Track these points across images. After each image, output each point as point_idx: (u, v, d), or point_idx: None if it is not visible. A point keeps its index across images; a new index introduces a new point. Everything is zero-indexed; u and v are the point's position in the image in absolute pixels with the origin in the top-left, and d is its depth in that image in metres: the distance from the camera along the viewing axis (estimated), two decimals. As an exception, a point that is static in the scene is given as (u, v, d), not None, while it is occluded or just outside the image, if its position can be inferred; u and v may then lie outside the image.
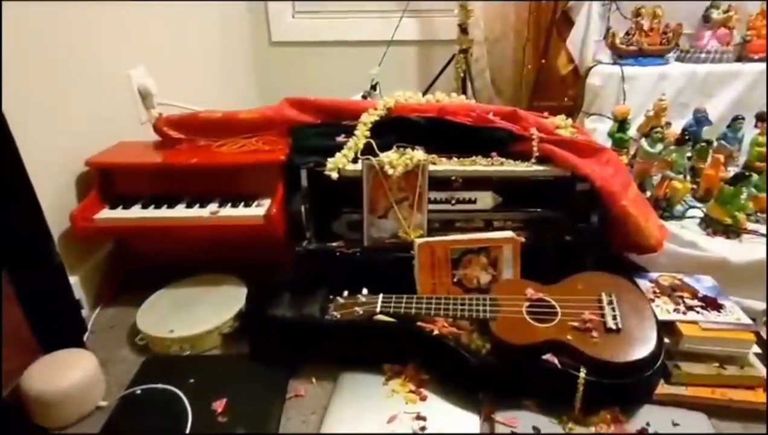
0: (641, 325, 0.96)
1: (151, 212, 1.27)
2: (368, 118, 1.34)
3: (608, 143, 1.68)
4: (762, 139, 1.74)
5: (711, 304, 1.07)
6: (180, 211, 1.27)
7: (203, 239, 1.36)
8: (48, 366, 1.00)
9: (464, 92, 2.54)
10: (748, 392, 0.97)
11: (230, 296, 1.25)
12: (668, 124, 1.73)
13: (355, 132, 1.31)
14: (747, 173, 1.32)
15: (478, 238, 1.14)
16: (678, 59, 1.96)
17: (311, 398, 1.03)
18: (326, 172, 1.22)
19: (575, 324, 0.96)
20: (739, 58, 1.93)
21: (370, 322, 1.06)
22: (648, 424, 0.92)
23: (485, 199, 1.28)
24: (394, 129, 1.34)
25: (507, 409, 0.96)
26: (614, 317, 0.96)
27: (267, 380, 1.05)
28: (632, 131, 1.74)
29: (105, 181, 1.32)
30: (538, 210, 1.28)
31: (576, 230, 1.23)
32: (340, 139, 1.33)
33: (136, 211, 1.27)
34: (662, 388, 0.98)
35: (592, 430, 0.91)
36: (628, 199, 1.19)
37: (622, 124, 1.63)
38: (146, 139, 1.50)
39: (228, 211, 1.27)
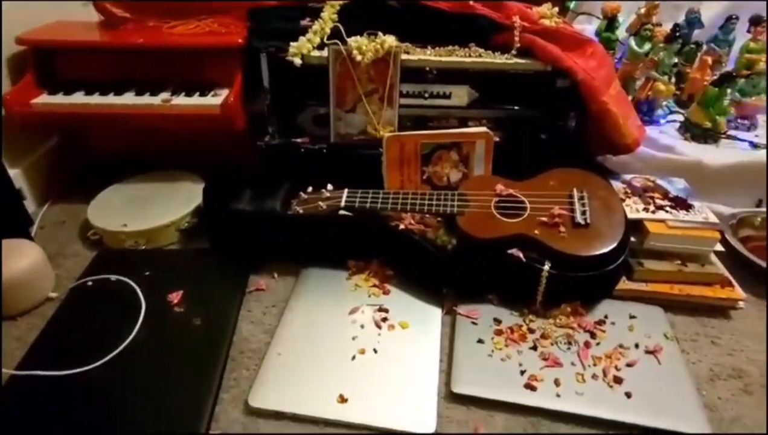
0: (610, 221, 0.94)
1: (96, 99, 1.16)
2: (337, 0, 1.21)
3: (595, 43, 1.58)
4: (754, 45, 1.66)
5: (681, 204, 1.05)
6: (128, 99, 1.17)
7: (157, 132, 1.26)
8: (-10, 255, 0.94)
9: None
10: (705, 288, 0.99)
11: (188, 192, 1.19)
12: (658, 25, 1.63)
13: (322, 14, 1.18)
14: (734, 73, 1.26)
15: (449, 133, 1.08)
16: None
17: (272, 292, 1.01)
18: (288, 58, 1.11)
19: (544, 219, 0.93)
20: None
21: (334, 217, 1.01)
22: (606, 316, 0.93)
23: (461, 94, 1.20)
24: (365, 13, 1.22)
25: (470, 303, 0.96)
26: (583, 213, 0.93)
27: (226, 274, 1.02)
28: (621, 32, 1.64)
29: (42, 62, 1.18)
30: (516, 108, 1.21)
31: (553, 128, 1.18)
32: (305, 22, 1.20)
33: (78, 97, 1.16)
34: (624, 284, 0.98)
35: (551, 322, 0.92)
36: (610, 95, 1.13)
37: (611, 22, 1.52)
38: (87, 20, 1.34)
39: (181, 99, 1.16)
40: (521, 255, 0.91)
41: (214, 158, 1.21)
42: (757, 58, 1.62)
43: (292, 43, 1.12)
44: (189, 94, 1.17)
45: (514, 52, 1.16)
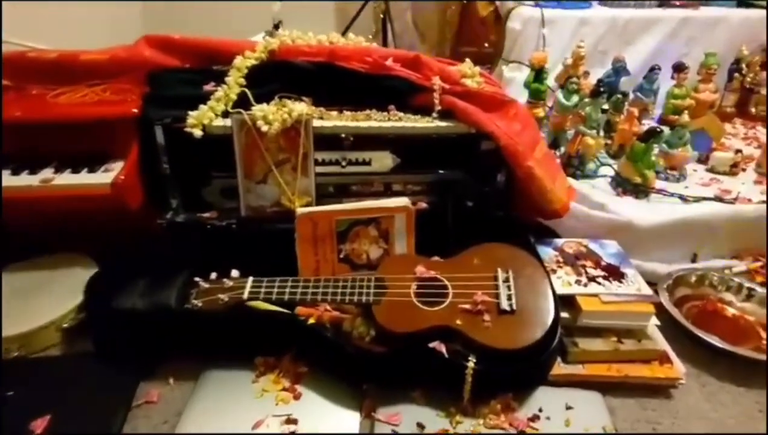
0: (537, 304, 0.86)
1: (-38, 181, 1.01)
2: (243, 63, 1.12)
3: (525, 94, 1.56)
4: (678, 91, 1.69)
5: (613, 273, 1.00)
6: (5, 179, 1.02)
7: (43, 213, 1.11)
8: None
9: (384, 35, 2.32)
10: (643, 367, 0.92)
11: (77, 281, 1.03)
12: (587, 73, 1.63)
13: (227, 79, 1.09)
14: (658, 129, 1.24)
15: (365, 208, 0.99)
16: (601, 2, 1.84)
17: (166, 403, 0.87)
18: (187, 130, 1.00)
19: (467, 306, 0.84)
20: (661, 4, 1.84)
21: (237, 312, 0.89)
22: (540, 409, 0.85)
23: (382, 160, 1.12)
24: (276, 76, 1.13)
25: (392, 401, 0.85)
26: (509, 297, 0.85)
27: (111, 385, 0.87)
28: (551, 81, 1.63)
29: None
30: (441, 172, 1.14)
31: (480, 194, 1.11)
32: (209, 87, 1.10)
33: (-60, 180, 1.00)
34: (558, 368, 0.90)
35: (481, 422, 0.82)
36: (535, 159, 1.07)
37: (539, 73, 1.50)
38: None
39: (66, 178, 1.03)
40: (443, 349, 0.81)
41: (112, 238, 1.08)
42: (681, 104, 1.65)
43: (191, 113, 1.02)
44: (76, 171, 1.04)
45: (435, 114, 1.10)
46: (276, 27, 2.01)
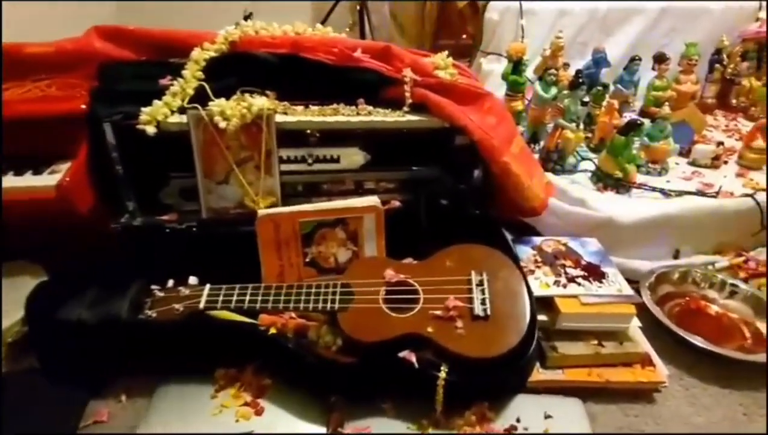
0: (513, 308, 0.81)
1: None
2: (201, 55, 1.05)
3: (503, 86, 1.51)
4: (659, 83, 1.66)
5: (593, 273, 0.95)
6: (-61, 183, 0.94)
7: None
8: None
9: (362, 28, 2.25)
10: (625, 371, 0.88)
11: (24, 292, 0.95)
12: (566, 65, 1.59)
13: (184, 72, 1.02)
14: (639, 121, 1.20)
15: (332, 208, 0.93)
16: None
17: (117, 422, 0.81)
18: (140, 127, 0.94)
19: (438, 313, 0.79)
20: (641, -7, 1.80)
21: (194, 322, 0.83)
22: (518, 420, 0.80)
23: (351, 157, 1.06)
24: (237, 69, 1.06)
25: (360, 414, 0.80)
26: (483, 302, 0.80)
27: (55, 406, 0.81)
28: (529, 73, 1.58)
29: None
30: (414, 168, 1.09)
31: (455, 191, 1.06)
32: (165, 81, 1.03)
33: None
34: (537, 374, 0.86)
35: (455, 433, 0.77)
36: (511, 154, 1.02)
37: (517, 64, 1.45)
38: None
39: (8, 180, 0.95)
40: (414, 359, 0.76)
41: (62, 245, 1.00)
42: (662, 96, 1.61)
43: (144, 109, 0.95)
44: (19, 173, 0.97)
45: (406, 108, 1.04)
46: (246, 19, 1.94)
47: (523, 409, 0.82)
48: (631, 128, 1.19)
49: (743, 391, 0.91)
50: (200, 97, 1.00)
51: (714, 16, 1.77)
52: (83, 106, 0.97)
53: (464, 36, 1.89)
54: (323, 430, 0.78)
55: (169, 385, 0.84)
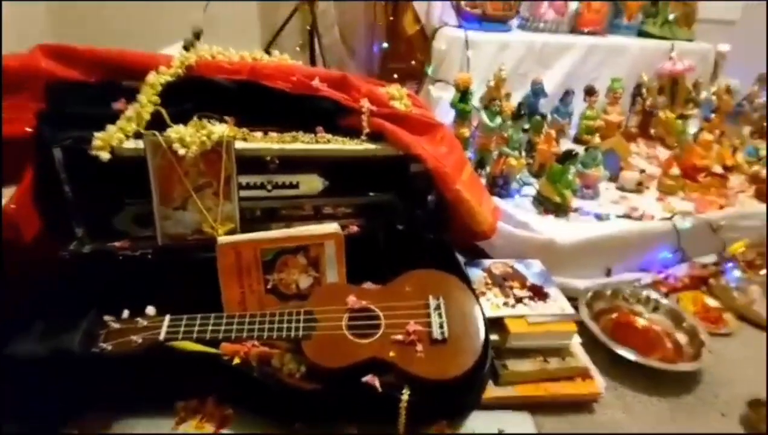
0: (468, 330, 0.87)
1: None
2: (158, 79, 1.03)
3: (452, 113, 1.59)
4: (590, 112, 1.81)
5: (538, 293, 1.03)
6: None
7: None
8: None
9: (312, 50, 2.28)
10: (568, 384, 0.96)
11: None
12: (508, 95, 1.70)
13: (139, 97, 1.00)
14: (573, 152, 1.32)
15: (293, 236, 0.95)
16: (520, 26, 1.94)
17: (70, 462, 0.78)
18: (93, 153, 0.91)
19: (399, 337, 0.83)
20: (572, 30, 1.97)
21: (153, 354, 0.81)
22: (474, 435, 0.85)
23: (310, 183, 1.09)
24: (194, 94, 1.06)
25: (325, 439, 0.82)
26: (441, 326, 0.85)
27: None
28: (476, 101, 1.68)
29: None
30: (371, 194, 1.13)
31: (410, 217, 1.11)
32: (119, 105, 1.01)
33: None
34: (491, 391, 0.92)
35: (416, 453, 0.81)
36: (462, 181, 1.09)
37: (464, 94, 1.54)
38: None
39: (-57, 207, 0.89)
40: (377, 383, 0.79)
41: (6, 274, 0.95)
42: (592, 125, 1.77)
43: (97, 134, 0.92)
44: (-45, 199, 0.91)
45: (363, 137, 1.08)
46: (197, 37, 1.91)
47: (479, 424, 0.87)
48: (567, 157, 1.30)
49: (668, 398, 1.01)
50: (156, 123, 0.99)
51: (634, 54, 1.97)
52: (27, 129, 0.93)
53: (413, 61, 1.97)
54: (288, 456, 0.80)
55: (127, 419, 0.82)
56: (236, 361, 0.83)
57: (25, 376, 0.81)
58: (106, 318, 0.86)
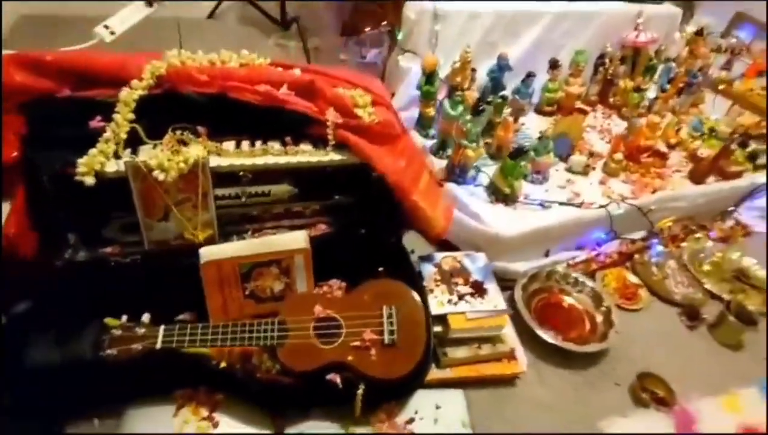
0: (414, 335, 1.05)
1: None
2: (131, 95, 1.09)
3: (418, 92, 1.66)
4: (551, 85, 1.89)
5: (478, 290, 1.21)
6: None
7: None
8: None
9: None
10: (496, 365, 1.18)
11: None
12: (473, 70, 1.75)
13: (115, 116, 1.06)
14: (525, 149, 1.43)
15: (266, 252, 1.08)
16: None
17: (92, 442, 0.98)
18: (77, 179, 1.00)
19: (357, 343, 1.01)
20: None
21: (152, 358, 0.98)
22: (416, 411, 1.08)
23: (280, 190, 1.20)
24: (168, 108, 1.12)
25: (299, 419, 1.03)
26: (391, 332, 1.03)
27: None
28: (443, 74, 1.72)
29: None
30: (336, 197, 1.25)
31: (372, 221, 1.24)
32: (95, 123, 1.07)
33: None
34: (432, 374, 1.13)
35: (369, 429, 1.03)
36: (419, 191, 1.22)
37: (430, 76, 1.60)
38: None
39: (-56, 230, 0.99)
40: (338, 380, 0.99)
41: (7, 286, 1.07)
42: (553, 97, 1.85)
43: (80, 160, 1.00)
44: (-46, 221, 1.00)
45: (329, 148, 1.17)
46: (150, 4, 1.83)
47: (421, 402, 1.09)
48: (519, 154, 1.42)
49: (579, 371, 1.25)
50: (133, 139, 1.07)
51: (602, 21, 1.99)
52: (14, 154, 1.00)
53: (384, 23, 1.95)
54: (271, 431, 1.01)
55: (135, 408, 1.01)
56: (223, 364, 1.00)
57: (40, 381, 0.97)
58: (107, 320, 1.00)
